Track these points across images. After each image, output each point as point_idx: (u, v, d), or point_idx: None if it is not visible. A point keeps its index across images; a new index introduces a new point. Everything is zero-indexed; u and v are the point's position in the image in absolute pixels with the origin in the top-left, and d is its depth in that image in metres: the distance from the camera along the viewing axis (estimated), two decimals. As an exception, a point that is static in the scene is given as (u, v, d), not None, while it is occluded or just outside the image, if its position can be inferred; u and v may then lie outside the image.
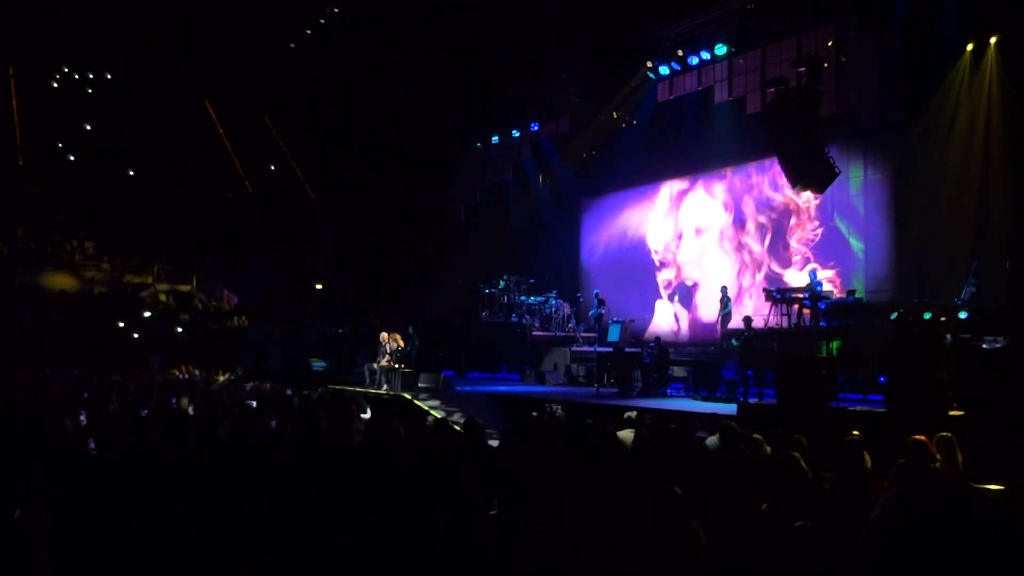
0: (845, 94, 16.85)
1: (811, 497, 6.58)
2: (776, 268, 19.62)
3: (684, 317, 22.29)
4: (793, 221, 19.37)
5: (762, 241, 20.10)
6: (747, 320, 15.23)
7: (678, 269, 22.54)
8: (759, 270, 20.18)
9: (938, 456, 6.87)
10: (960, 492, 1.22)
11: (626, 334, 20.47)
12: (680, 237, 22.58)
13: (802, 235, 19.13)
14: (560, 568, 3.92)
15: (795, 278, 18.66)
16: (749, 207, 20.68)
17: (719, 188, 21.59)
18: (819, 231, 18.79)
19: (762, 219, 20.27)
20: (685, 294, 22.24)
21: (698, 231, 22.04)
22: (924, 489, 1.24)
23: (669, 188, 23.16)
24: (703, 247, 21.82)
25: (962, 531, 1.16)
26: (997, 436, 8.26)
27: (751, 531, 4.53)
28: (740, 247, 20.73)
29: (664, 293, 22.97)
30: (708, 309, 20.95)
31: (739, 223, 20.88)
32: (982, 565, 1.13)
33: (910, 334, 12.27)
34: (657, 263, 23.22)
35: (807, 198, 18.81)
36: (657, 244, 23.36)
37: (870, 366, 13.63)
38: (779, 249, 19.63)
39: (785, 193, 19.37)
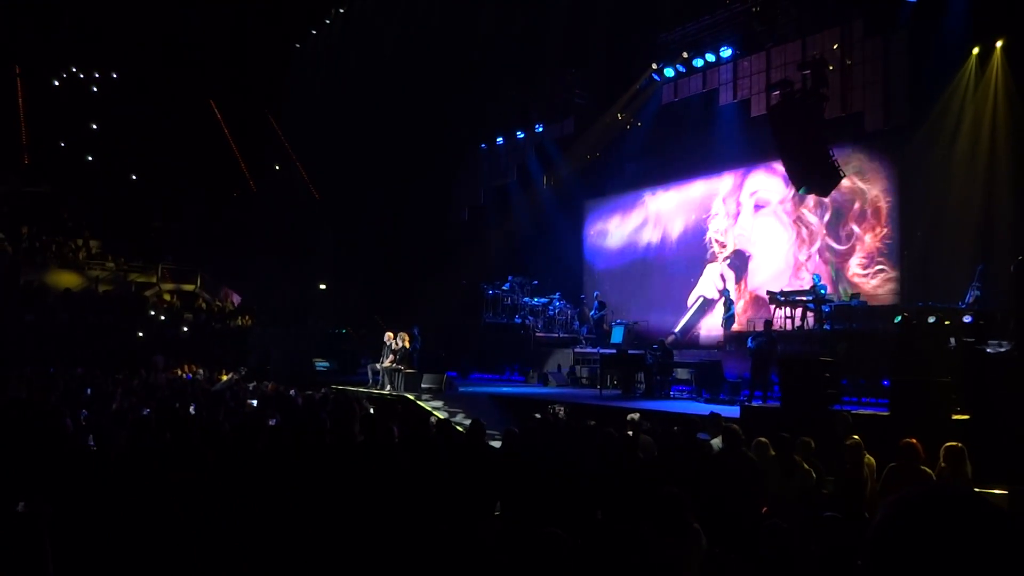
0: (850, 97, 16.84)
1: (812, 500, 6.57)
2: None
3: (731, 279, 22.01)
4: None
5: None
6: (767, 323, 15.18)
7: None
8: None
9: (943, 462, 6.83)
10: (963, 498, 1.21)
11: (629, 336, 20.45)
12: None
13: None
14: (570, 569, 3.91)
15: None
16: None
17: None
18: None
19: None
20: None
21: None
22: (927, 495, 1.23)
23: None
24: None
25: (965, 537, 1.15)
26: (1001, 440, 8.22)
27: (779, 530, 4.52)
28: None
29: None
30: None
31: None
32: (985, 571, 1.12)
33: (914, 337, 12.22)
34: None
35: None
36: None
37: (874, 369, 13.58)
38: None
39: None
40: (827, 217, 19.48)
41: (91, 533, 4.56)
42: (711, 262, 22.58)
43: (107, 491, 5.37)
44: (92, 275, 28.86)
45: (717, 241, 22.53)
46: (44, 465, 5.82)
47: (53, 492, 5.17)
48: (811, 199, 19.81)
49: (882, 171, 18.29)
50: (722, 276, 22.20)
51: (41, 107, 31.42)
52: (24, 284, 26.79)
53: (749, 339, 15.17)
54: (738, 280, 21.53)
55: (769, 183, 21.21)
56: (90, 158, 32.65)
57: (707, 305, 22.39)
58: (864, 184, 18.53)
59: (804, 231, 20.11)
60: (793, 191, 19.83)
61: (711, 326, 21.92)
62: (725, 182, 22.12)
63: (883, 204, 18.36)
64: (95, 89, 32.96)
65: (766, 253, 21.05)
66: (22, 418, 8.52)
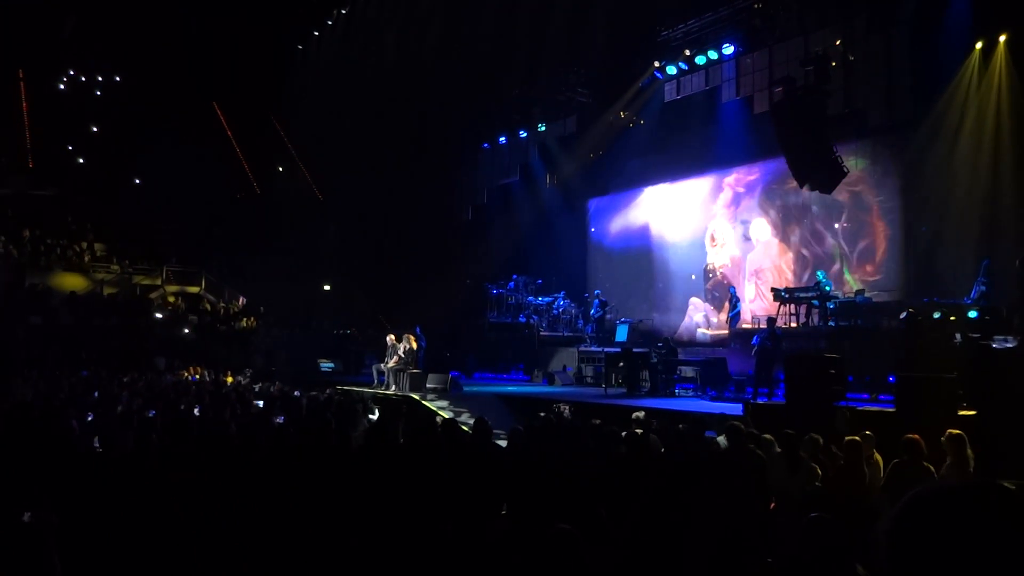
0: (853, 93, 16.79)
1: (815, 496, 6.55)
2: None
3: (713, 314, 22.11)
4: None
5: (801, 273, 19.71)
6: (771, 321, 15.07)
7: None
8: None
9: (948, 457, 6.82)
10: (982, 492, 1.20)
11: (634, 334, 20.42)
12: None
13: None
14: (581, 566, 3.90)
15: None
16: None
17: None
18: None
19: (805, 252, 19.87)
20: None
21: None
22: (940, 490, 1.22)
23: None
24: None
25: (983, 531, 1.14)
26: (1007, 436, 8.21)
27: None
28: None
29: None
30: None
31: (785, 244, 20.53)
32: (1004, 566, 1.12)
33: (919, 333, 12.19)
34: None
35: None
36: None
37: (879, 366, 13.55)
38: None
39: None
40: (807, 275, 19.48)
41: (97, 535, 4.57)
42: (694, 295, 22.76)
43: (113, 493, 5.38)
44: (97, 278, 28.91)
45: (714, 239, 22.57)
46: (50, 467, 5.84)
47: (59, 494, 5.18)
48: (792, 252, 19.98)
49: (885, 169, 18.28)
50: (706, 316, 22.31)
51: (45, 110, 31.49)
52: (29, 287, 26.86)
53: (754, 337, 15.12)
54: (719, 310, 21.53)
55: (761, 225, 21.30)
56: (94, 161, 32.70)
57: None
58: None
59: (803, 250, 20.15)
60: (779, 238, 19.95)
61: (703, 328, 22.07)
62: (728, 179, 22.10)
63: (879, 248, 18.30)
64: (99, 92, 33.00)
65: (764, 260, 21.12)
66: (28, 420, 8.54)
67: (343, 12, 28.97)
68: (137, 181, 32.95)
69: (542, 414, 11.82)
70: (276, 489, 5.82)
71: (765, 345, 14.15)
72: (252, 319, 29.33)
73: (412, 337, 18.16)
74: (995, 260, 13.83)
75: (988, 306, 12.58)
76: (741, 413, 11.22)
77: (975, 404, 9.25)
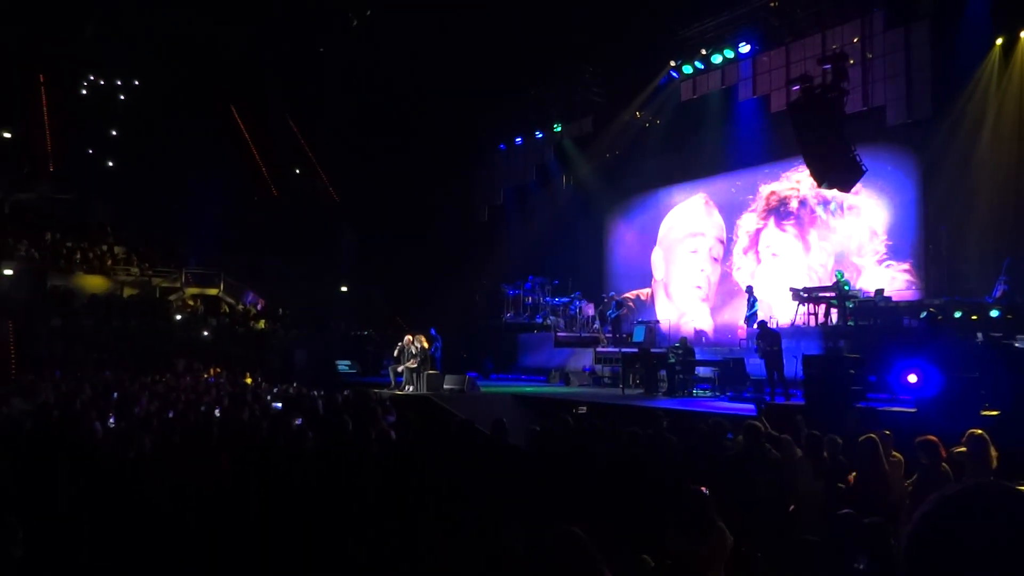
0: (871, 91, 16.67)
1: (838, 497, 6.50)
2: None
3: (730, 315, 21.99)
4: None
5: (819, 272, 19.50)
6: (762, 324, 14.94)
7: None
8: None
9: (970, 457, 6.71)
10: (1009, 494, 1.19)
11: (651, 335, 20.34)
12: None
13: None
14: (591, 568, 3.89)
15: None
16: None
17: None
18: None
19: (824, 251, 19.83)
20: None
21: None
22: (971, 491, 1.22)
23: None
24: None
25: (1012, 532, 1.13)
26: (1030, 436, 8.10)
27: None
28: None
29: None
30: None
31: (802, 243, 20.45)
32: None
33: (940, 333, 12.09)
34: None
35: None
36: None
37: (899, 366, 13.41)
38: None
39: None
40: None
41: (118, 536, 4.60)
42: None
43: (134, 494, 5.43)
44: (117, 280, 29.21)
45: (733, 238, 22.42)
46: (73, 469, 5.89)
47: (81, 495, 5.23)
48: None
49: (905, 168, 18.12)
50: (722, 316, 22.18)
51: (66, 114, 31.80)
52: (51, 289, 27.18)
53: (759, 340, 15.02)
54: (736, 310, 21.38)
55: (790, 245, 21.12)
56: (114, 164, 33.01)
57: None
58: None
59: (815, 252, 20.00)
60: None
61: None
62: (744, 178, 21.97)
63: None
64: (119, 96, 33.30)
65: (782, 259, 20.98)
66: (51, 423, 8.63)
67: (368, 13, 29.03)
68: (156, 183, 33.24)
69: (559, 415, 11.79)
70: (294, 490, 5.84)
71: (761, 347, 14.09)
72: (271, 320, 29.51)
73: (423, 337, 18.14)
74: (1017, 259, 13.69)
75: (1010, 305, 12.45)
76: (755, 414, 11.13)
77: (997, 404, 9.14)
